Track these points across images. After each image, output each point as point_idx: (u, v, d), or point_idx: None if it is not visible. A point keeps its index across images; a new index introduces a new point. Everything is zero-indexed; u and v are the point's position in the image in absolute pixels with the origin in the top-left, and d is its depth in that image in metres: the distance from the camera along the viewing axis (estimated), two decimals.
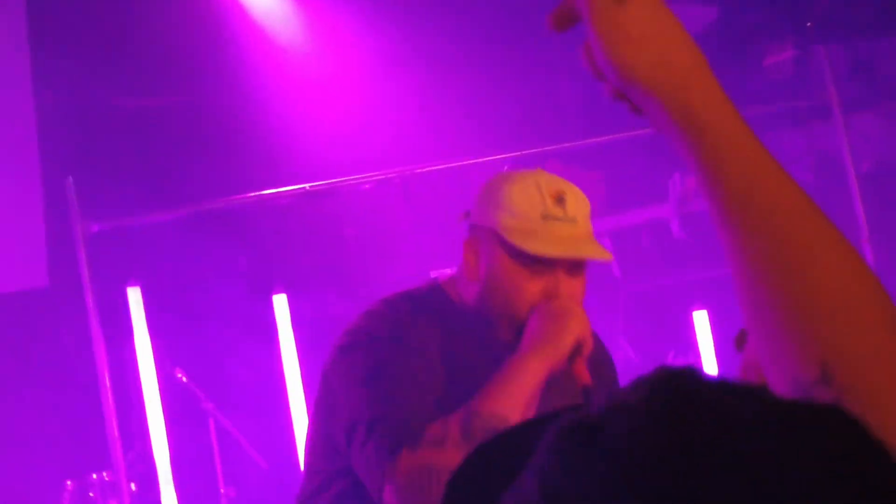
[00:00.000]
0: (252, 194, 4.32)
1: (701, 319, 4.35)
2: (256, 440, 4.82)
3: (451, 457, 1.75)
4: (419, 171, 4.41)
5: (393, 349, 1.95)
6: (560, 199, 1.89)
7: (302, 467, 2.21)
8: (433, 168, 4.39)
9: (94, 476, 4.57)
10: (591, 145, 4.52)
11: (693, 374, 0.61)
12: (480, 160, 4.42)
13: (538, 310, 1.86)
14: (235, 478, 4.82)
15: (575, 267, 1.88)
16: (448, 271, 2.23)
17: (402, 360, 1.94)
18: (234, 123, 4.85)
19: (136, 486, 4.47)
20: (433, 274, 4.13)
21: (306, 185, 4.35)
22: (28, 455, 4.78)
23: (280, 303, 4.66)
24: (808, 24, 4.30)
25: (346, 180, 4.47)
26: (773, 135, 4.48)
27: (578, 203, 1.87)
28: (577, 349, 1.81)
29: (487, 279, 1.90)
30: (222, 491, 4.73)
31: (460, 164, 4.50)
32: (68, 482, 4.59)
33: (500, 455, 0.71)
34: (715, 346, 4.34)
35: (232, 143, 4.96)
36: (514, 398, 1.82)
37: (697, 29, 4.70)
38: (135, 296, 4.32)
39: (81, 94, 4.49)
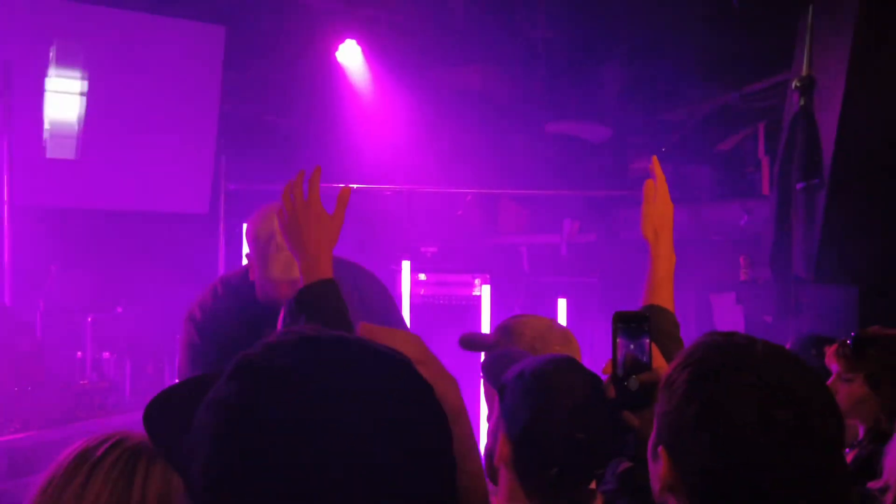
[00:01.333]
0: (327, 185, 7.00)
1: (562, 305, 6.82)
2: None
3: None
4: (423, 189, 7.19)
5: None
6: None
7: None
8: (431, 189, 7.21)
9: None
10: (528, 194, 7.36)
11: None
12: (462, 190, 7.25)
13: None
14: None
15: None
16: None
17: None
18: (323, 133, 7.76)
19: None
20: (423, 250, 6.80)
21: (353, 185, 6.86)
22: (171, 307, 7.19)
23: None
24: (662, 149, 6.95)
25: (375, 187, 7.18)
26: (627, 211, 7.12)
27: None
28: None
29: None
30: None
31: (456, 190, 7.25)
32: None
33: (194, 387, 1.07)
34: (568, 320, 6.82)
35: (322, 146, 7.78)
36: None
37: (596, 140, 7.47)
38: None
39: (244, 109, 7.46)
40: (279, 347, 0.96)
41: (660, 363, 1.78)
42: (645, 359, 1.76)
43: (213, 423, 0.93)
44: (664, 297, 2.23)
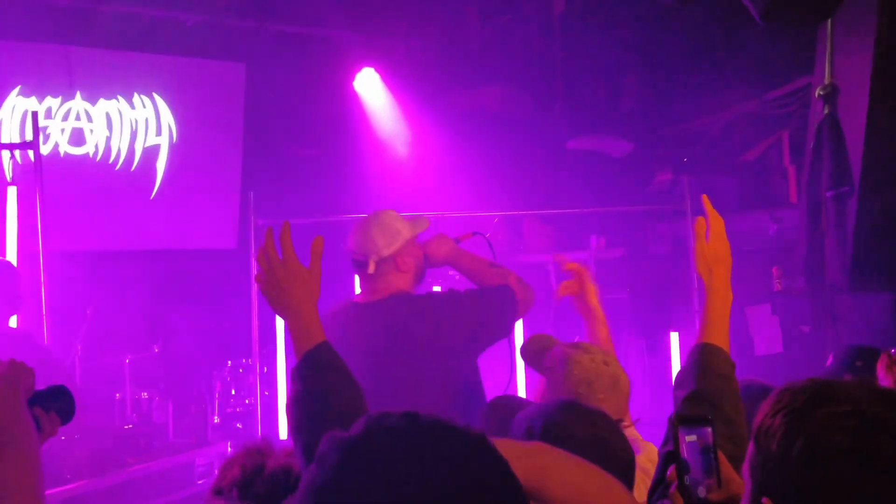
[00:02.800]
0: (352, 215, 6.86)
1: None
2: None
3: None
4: (449, 214, 7.18)
5: None
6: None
7: None
8: (457, 214, 7.20)
9: (244, 360, 6.77)
10: (553, 213, 7.37)
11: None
12: (487, 213, 7.23)
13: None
14: None
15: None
16: None
17: None
18: (346, 169, 7.83)
19: (266, 368, 6.49)
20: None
21: None
22: (207, 344, 7.17)
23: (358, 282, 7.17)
24: (684, 160, 6.96)
25: (407, 215, 7.24)
26: (654, 225, 7.11)
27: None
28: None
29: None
30: None
31: (481, 214, 7.21)
32: (229, 361, 6.85)
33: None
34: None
35: (345, 175, 7.84)
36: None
37: (618, 154, 7.49)
38: None
39: (268, 144, 7.54)
40: (375, 434, 1.04)
41: (729, 474, 1.69)
42: (712, 472, 1.63)
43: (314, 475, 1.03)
44: (719, 336, 2.22)
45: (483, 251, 3.57)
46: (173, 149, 7.49)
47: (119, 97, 7.39)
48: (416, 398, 3.18)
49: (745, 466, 1.39)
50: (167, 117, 7.51)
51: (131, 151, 7.44)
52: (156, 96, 7.47)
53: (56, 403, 2.23)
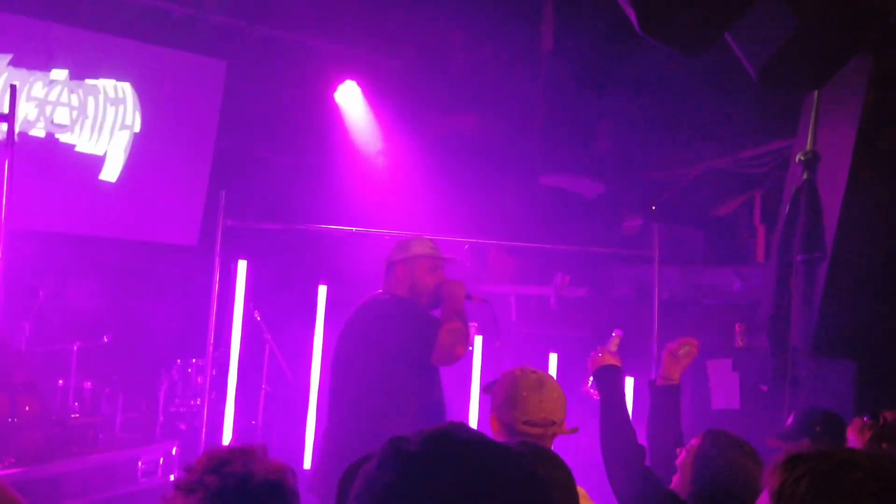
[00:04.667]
0: (322, 226, 6.61)
1: (553, 359, 6.64)
2: (290, 362, 7.00)
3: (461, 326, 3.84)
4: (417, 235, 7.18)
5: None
6: (431, 241, 4.25)
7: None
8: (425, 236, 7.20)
9: (193, 360, 6.76)
10: (520, 246, 7.36)
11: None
12: (455, 238, 7.22)
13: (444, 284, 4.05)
14: (272, 381, 7.06)
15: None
16: None
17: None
18: (319, 178, 7.77)
19: (215, 371, 6.31)
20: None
21: (352, 228, 6.55)
22: (158, 343, 7.05)
23: (322, 291, 6.53)
24: (653, 207, 7.02)
25: (375, 231, 7.17)
26: (618, 268, 7.16)
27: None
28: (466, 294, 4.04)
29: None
30: (263, 387, 6.99)
31: (450, 238, 7.19)
32: (178, 360, 6.79)
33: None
34: (558, 374, 6.85)
35: (318, 185, 7.78)
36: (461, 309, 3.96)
37: (589, 195, 7.54)
38: (242, 266, 6.37)
39: (243, 146, 7.46)
40: (422, 432, 1.12)
41: None
42: None
43: (359, 486, 1.09)
44: None
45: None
46: (142, 137, 7.38)
47: (95, 80, 7.28)
48: (356, 388, 3.92)
49: None
50: (139, 105, 7.40)
51: (100, 136, 7.32)
52: (130, 84, 7.36)
53: None
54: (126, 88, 7.34)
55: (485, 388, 3.16)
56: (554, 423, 2.79)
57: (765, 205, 6.33)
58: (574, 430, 2.91)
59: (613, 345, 3.61)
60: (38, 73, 7.01)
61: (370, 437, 3.53)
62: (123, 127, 7.35)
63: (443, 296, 4.00)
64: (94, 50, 7.10)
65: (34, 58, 6.88)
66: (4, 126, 5.14)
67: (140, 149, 7.36)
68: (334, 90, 7.84)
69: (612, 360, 3.39)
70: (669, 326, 6.43)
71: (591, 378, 3.41)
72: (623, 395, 3.36)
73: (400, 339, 3.92)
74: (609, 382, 3.30)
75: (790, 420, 3.95)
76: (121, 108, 7.31)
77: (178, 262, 7.45)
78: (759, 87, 4.45)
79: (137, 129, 7.36)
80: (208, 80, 7.38)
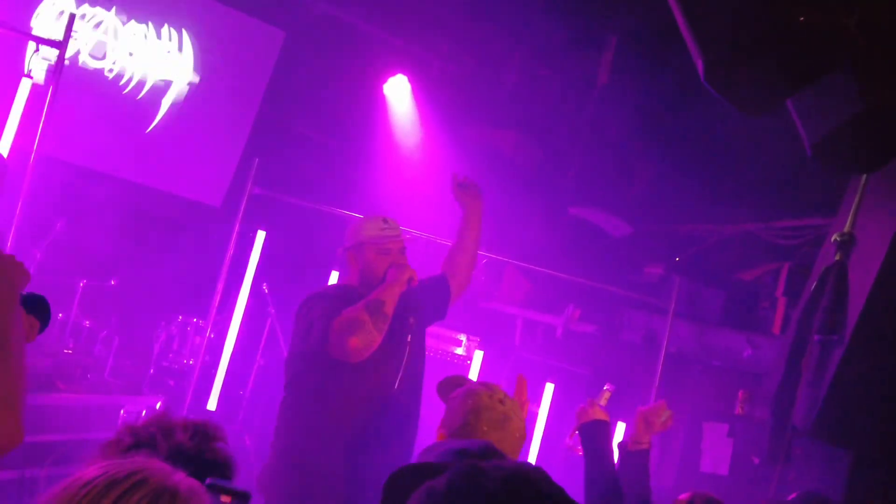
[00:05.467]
0: (347, 212, 6.44)
1: (549, 389, 6.65)
2: (288, 340, 7.09)
3: (360, 314, 3.46)
4: (439, 240, 7.13)
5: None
6: (386, 220, 3.86)
7: None
8: (445, 241, 7.14)
9: (194, 320, 6.75)
10: (537, 269, 7.29)
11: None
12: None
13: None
14: (267, 355, 7.07)
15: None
16: None
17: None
18: (356, 165, 7.76)
19: (214, 335, 6.37)
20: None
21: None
22: (163, 295, 7.02)
23: (334, 277, 6.40)
24: (677, 259, 6.97)
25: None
26: (631, 312, 7.09)
27: (394, 223, 3.85)
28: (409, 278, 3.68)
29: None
30: (258, 359, 7.03)
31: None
32: (180, 316, 6.76)
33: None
34: (552, 406, 6.61)
35: (351, 171, 7.76)
36: (383, 295, 3.57)
37: (616, 234, 7.49)
38: (261, 236, 6.49)
39: (283, 118, 7.46)
40: (501, 471, 1.15)
41: None
42: None
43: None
44: None
45: None
46: (190, 91, 7.38)
47: (149, 23, 7.28)
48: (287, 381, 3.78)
49: None
50: (189, 57, 7.40)
51: (142, 80, 7.32)
52: (186, 34, 7.36)
53: (36, 310, 2.16)
54: (186, 39, 7.34)
55: (439, 389, 3.04)
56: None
57: (790, 278, 6.27)
58: None
59: (603, 399, 3.49)
60: (102, 10, 7.02)
61: (297, 439, 3.53)
62: (175, 76, 7.35)
63: (382, 276, 3.69)
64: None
65: None
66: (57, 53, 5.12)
67: (186, 101, 7.36)
68: (384, 81, 7.81)
69: (601, 415, 3.30)
70: (672, 380, 6.41)
71: (576, 431, 3.34)
72: (609, 450, 3.26)
73: (295, 333, 3.78)
74: (596, 437, 3.22)
75: (792, 496, 3.90)
76: (179, 57, 7.32)
77: (199, 220, 7.45)
78: (811, 160, 4.40)
79: (188, 80, 7.36)
80: (264, 47, 7.38)
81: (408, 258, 3.84)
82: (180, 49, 7.37)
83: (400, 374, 3.66)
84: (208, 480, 1.52)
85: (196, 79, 7.39)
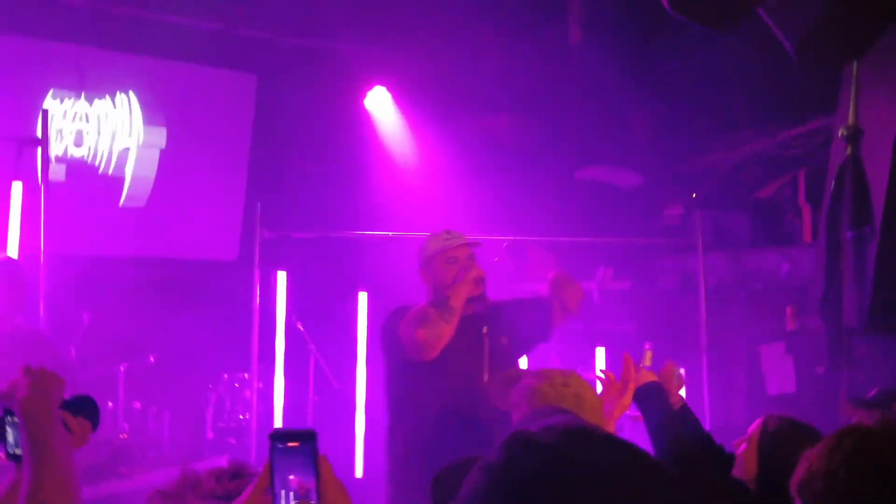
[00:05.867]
0: (359, 232, 6.68)
1: (601, 353, 6.65)
2: (335, 371, 6.97)
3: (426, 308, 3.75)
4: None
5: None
6: (449, 232, 4.08)
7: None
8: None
9: (240, 374, 6.69)
10: (559, 241, 7.25)
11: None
12: (494, 237, 7.12)
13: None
14: (319, 390, 7.01)
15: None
16: None
17: None
18: (353, 185, 7.75)
19: (262, 384, 6.29)
20: None
21: (389, 233, 6.52)
22: (203, 359, 6.90)
23: (362, 298, 6.81)
24: (693, 195, 6.91)
25: (412, 234, 7.08)
26: (662, 259, 7.04)
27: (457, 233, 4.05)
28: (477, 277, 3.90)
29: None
30: (310, 396, 6.92)
31: (489, 237, 7.08)
32: (225, 375, 6.78)
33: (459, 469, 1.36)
34: (608, 368, 6.69)
35: (354, 193, 7.73)
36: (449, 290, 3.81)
37: (630, 186, 7.44)
38: (282, 277, 6.52)
39: (276, 156, 7.46)
40: (553, 429, 1.17)
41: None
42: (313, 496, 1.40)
43: (480, 482, 1.14)
44: None
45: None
46: (174, 157, 7.37)
47: (123, 99, 7.26)
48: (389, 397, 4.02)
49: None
50: (168, 123, 7.38)
51: (110, 154, 7.28)
52: (157, 102, 7.34)
53: (83, 411, 2.16)
54: (151, 106, 7.33)
55: (493, 393, 3.08)
56: None
57: (809, 184, 6.19)
58: None
59: (647, 360, 3.43)
60: (72, 99, 7.03)
61: (406, 447, 3.72)
62: (151, 146, 7.33)
63: (448, 287, 3.85)
64: (121, 69, 7.11)
65: (70, 81, 6.90)
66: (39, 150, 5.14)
67: (173, 168, 7.36)
68: (364, 96, 7.79)
69: (650, 377, 3.23)
70: (717, 313, 6.34)
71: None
72: (669, 407, 3.17)
73: (385, 350, 3.96)
74: (654, 401, 3.16)
75: (873, 392, 3.85)
76: (150, 128, 7.31)
77: (218, 276, 7.45)
78: (798, 62, 4.34)
79: (163, 145, 7.32)
80: (239, 95, 7.39)
81: (479, 262, 3.99)
82: (130, 112, 7.31)
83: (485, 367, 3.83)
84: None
85: (180, 143, 7.37)
